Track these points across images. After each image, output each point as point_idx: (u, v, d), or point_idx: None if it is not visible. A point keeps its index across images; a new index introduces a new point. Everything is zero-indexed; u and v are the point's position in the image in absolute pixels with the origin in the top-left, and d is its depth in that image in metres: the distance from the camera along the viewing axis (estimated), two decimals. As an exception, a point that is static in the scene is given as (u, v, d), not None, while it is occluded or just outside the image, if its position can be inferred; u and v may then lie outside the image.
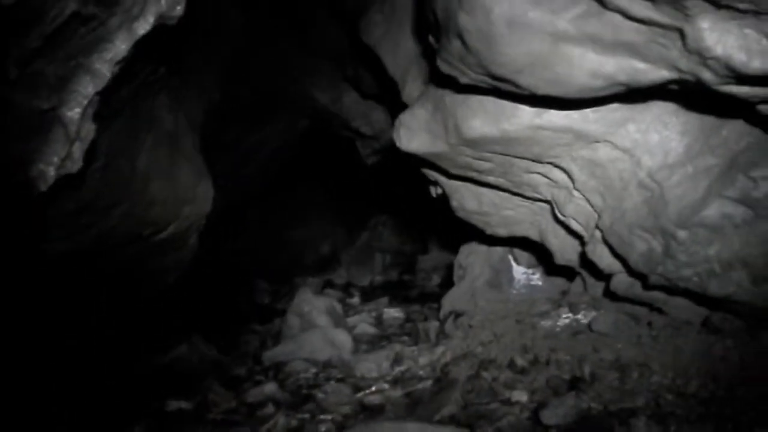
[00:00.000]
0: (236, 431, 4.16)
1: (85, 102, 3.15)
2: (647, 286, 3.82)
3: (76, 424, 4.86)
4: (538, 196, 4.46)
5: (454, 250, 6.43)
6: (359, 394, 4.74)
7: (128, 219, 4.63)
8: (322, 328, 7.04)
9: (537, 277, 5.56)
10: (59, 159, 3.34)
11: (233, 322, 8.12)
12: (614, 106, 3.44)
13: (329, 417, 4.31)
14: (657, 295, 3.96)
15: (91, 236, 4.43)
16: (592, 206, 3.99)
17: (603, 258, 4.09)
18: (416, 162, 4.89)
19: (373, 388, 4.77)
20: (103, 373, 5.54)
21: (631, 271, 3.87)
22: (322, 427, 4.15)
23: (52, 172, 3.33)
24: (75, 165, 3.45)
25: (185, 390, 5.23)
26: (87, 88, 3.11)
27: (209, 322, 6.82)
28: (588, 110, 3.51)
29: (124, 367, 5.59)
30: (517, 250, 5.62)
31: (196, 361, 5.76)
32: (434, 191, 5.60)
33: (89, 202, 4.22)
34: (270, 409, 4.59)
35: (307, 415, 4.42)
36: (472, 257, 6.00)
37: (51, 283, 4.62)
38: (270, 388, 5.01)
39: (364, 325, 7.68)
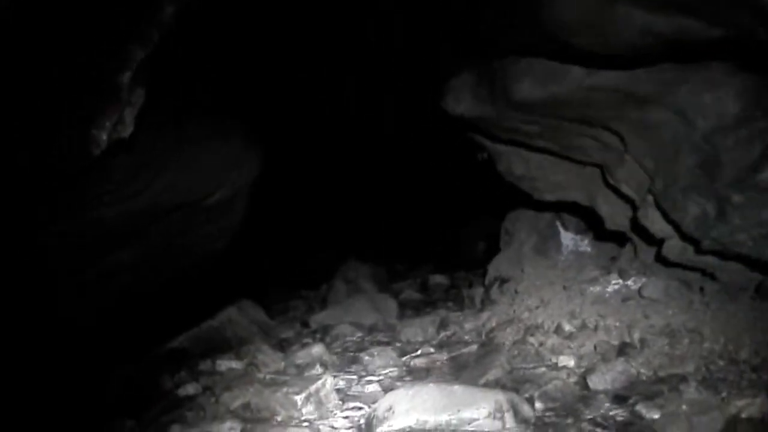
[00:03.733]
0: (285, 390, 4.25)
1: (136, 66, 3.20)
2: (700, 250, 3.73)
3: (134, 381, 5.09)
4: (588, 159, 4.38)
5: (500, 217, 6.38)
6: (405, 358, 4.80)
7: (176, 185, 4.72)
8: (368, 294, 7.15)
9: (585, 243, 5.48)
10: (111, 124, 3.41)
11: (281, 288, 8.29)
12: (666, 66, 3.33)
13: (376, 378, 4.38)
14: (710, 260, 3.87)
15: (141, 202, 4.53)
16: (645, 170, 3.89)
17: (655, 223, 4.01)
18: (463, 126, 4.85)
19: (419, 352, 4.83)
20: (156, 336, 5.74)
21: (683, 235, 3.78)
22: (369, 388, 4.22)
23: (104, 136, 3.41)
24: (126, 130, 3.52)
25: (235, 351, 5.39)
26: (137, 53, 3.15)
27: (258, 286, 6.95)
28: (640, 70, 3.40)
29: (176, 330, 5.77)
30: (565, 216, 5.54)
31: (245, 324, 5.90)
32: (480, 156, 5.55)
33: (139, 167, 4.31)
34: (317, 369, 4.69)
35: (354, 377, 4.51)
36: (519, 223, 5.95)
37: (105, 249, 4.77)
38: (317, 350, 5.11)
39: (409, 291, 7.75)
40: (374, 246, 10.50)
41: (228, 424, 3.81)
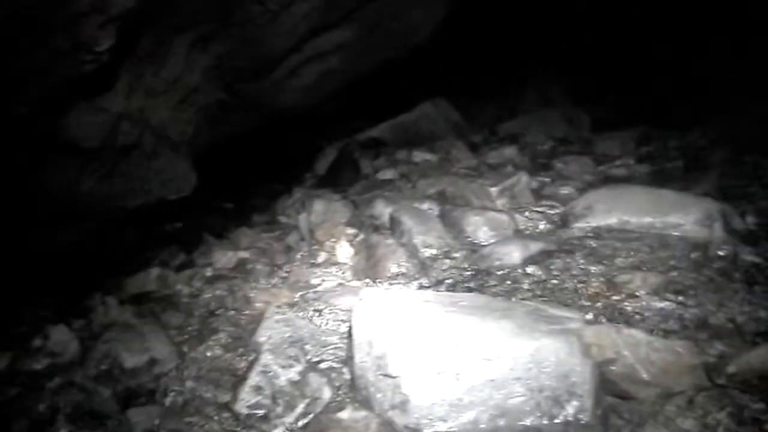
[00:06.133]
0: (480, 182, 4.41)
1: None
2: None
3: (337, 161, 5.54)
4: None
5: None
6: (601, 167, 4.71)
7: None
8: (559, 107, 6.90)
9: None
10: None
11: (470, 92, 8.25)
12: None
13: (570, 182, 4.37)
14: None
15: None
16: None
17: None
18: None
19: (617, 163, 4.70)
20: (356, 124, 6.09)
21: None
22: (563, 190, 4.23)
23: None
24: None
25: (429, 144, 5.60)
26: None
27: (451, 87, 6.97)
28: None
29: (375, 119, 6.06)
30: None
31: (440, 121, 6.05)
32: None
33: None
34: (510, 169, 4.77)
35: (547, 179, 4.53)
36: None
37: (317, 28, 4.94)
38: (510, 152, 5.17)
39: (605, 108, 7.36)
40: (568, 61, 9.92)
41: (426, 205, 4.08)
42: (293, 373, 2.51)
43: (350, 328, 2.68)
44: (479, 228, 3.67)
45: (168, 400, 2.57)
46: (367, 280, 3.35)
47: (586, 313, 2.58)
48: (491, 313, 2.39)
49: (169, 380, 2.68)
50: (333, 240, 3.89)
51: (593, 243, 3.32)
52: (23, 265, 3.57)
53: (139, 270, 3.85)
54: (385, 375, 2.26)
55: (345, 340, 2.79)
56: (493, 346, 2.22)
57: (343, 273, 3.50)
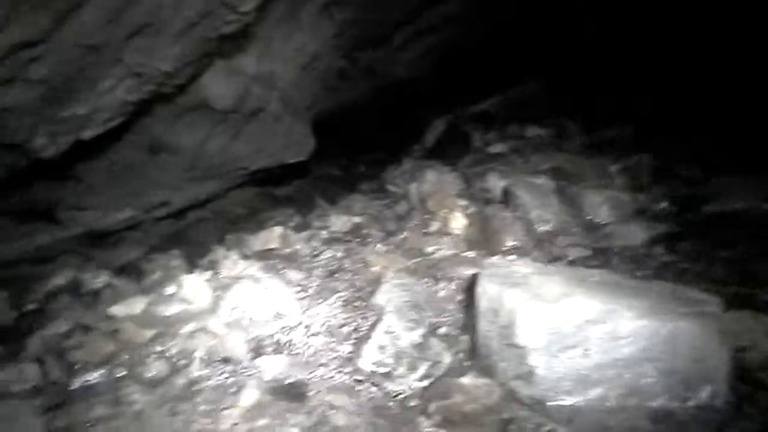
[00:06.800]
0: (596, 159, 4.28)
1: None
2: None
3: (447, 134, 5.53)
4: None
5: None
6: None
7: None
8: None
9: None
10: None
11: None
12: None
13: (695, 164, 4.18)
14: None
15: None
16: None
17: None
18: None
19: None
20: (465, 97, 6.04)
21: None
22: (687, 171, 4.07)
23: None
24: None
25: (540, 120, 5.48)
26: None
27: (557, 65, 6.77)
28: None
29: (484, 94, 5.99)
30: None
31: (551, 98, 5.90)
32: None
33: None
34: (629, 148, 4.59)
35: (671, 159, 4.34)
36: None
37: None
38: (628, 130, 5.00)
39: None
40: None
41: (542, 180, 4.01)
42: (415, 336, 2.56)
43: (470, 296, 2.71)
44: (599, 206, 3.59)
45: (294, 352, 2.70)
46: (482, 252, 3.35)
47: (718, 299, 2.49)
48: (622, 291, 2.34)
49: (294, 333, 2.80)
50: (445, 210, 3.90)
51: (722, 227, 3.18)
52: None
53: (258, 229, 4.02)
54: (511, 345, 2.27)
55: (462, 308, 2.82)
56: (624, 325, 2.18)
57: (456, 243, 3.51)
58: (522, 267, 2.58)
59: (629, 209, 3.60)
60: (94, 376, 2.54)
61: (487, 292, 2.42)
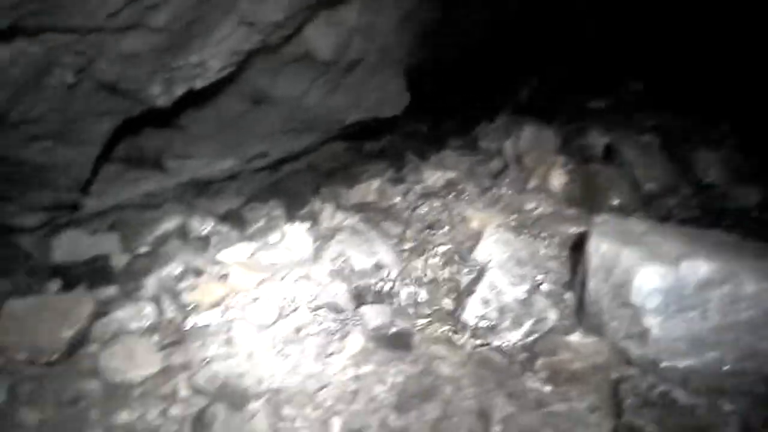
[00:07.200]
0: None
1: None
2: None
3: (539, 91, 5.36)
4: None
5: None
6: None
7: None
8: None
9: None
10: None
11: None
12: None
13: None
14: None
15: None
16: None
17: None
18: None
19: None
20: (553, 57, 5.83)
21: None
22: None
23: None
24: None
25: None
26: None
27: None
28: None
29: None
30: None
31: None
32: None
33: None
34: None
35: None
36: None
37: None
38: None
39: None
40: None
41: (647, 137, 3.85)
42: (519, 292, 2.54)
43: (576, 253, 2.66)
44: (710, 166, 3.41)
45: (396, 302, 2.73)
46: (585, 209, 3.25)
47: None
48: (743, 253, 2.24)
49: (395, 284, 2.83)
50: (543, 167, 3.81)
51: None
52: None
53: (351, 182, 4.05)
54: (625, 304, 2.22)
55: (566, 265, 2.77)
56: (746, 288, 2.09)
57: (557, 200, 3.43)
58: (637, 225, 2.49)
59: (743, 170, 3.40)
60: (206, 317, 2.67)
61: (599, 249, 2.36)
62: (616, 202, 3.24)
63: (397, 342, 2.48)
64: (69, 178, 3.10)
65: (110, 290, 2.88)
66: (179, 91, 2.85)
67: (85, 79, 2.55)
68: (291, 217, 3.59)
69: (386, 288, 2.81)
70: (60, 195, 3.18)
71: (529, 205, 3.41)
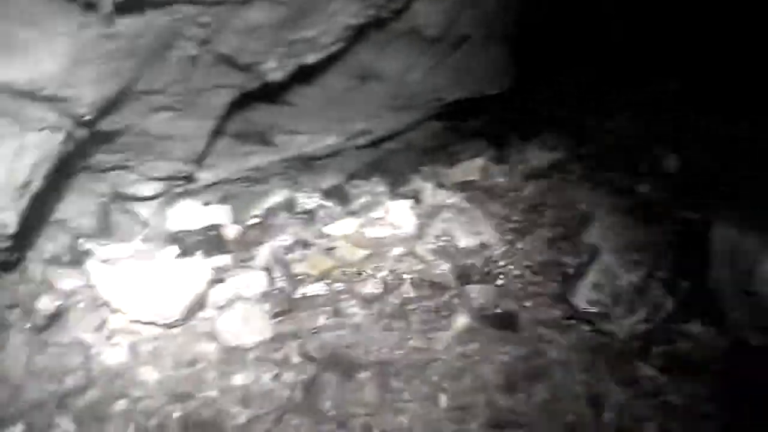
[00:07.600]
0: None
1: None
2: None
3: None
4: None
5: None
6: None
7: None
8: None
9: None
10: None
11: None
12: None
13: None
14: None
15: None
16: None
17: None
18: None
19: None
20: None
21: None
22: None
23: None
24: None
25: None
26: None
27: None
28: None
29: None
30: None
31: None
32: None
33: None
34: None
35: None
36: None
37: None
38: None
39: None
40: None
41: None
42: (633, 277, 2.46)
43: (694, 240, 2.53)
44: None
45: (501, 282, 2.71)
46: (703, 196, 3.09)
47: None
48: None
49: (500, 265, 2.81)
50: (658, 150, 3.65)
51: None
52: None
53: (452, 161, 4.01)
54: (749, 293, 2.10)
55: (683, 252, 2.64)
56: None
57: (672, 184, 3.27)
58: (760, 211, 2.35)
59: None
60: (314, 288, 2.74)
61: (722, 236, 2.24)
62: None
63: (503, 322, 2.46)
64: (186, 149, 3.23)
65: (225, 258, 3.00)
66: (292, 66, 2.90)
67: (207, 52, 2.64)
68: (393, 194, 3.61)
69: (491, 268, 2.79)
70: (177, 166, 3.33)
71: (642, 189, 3.28)
